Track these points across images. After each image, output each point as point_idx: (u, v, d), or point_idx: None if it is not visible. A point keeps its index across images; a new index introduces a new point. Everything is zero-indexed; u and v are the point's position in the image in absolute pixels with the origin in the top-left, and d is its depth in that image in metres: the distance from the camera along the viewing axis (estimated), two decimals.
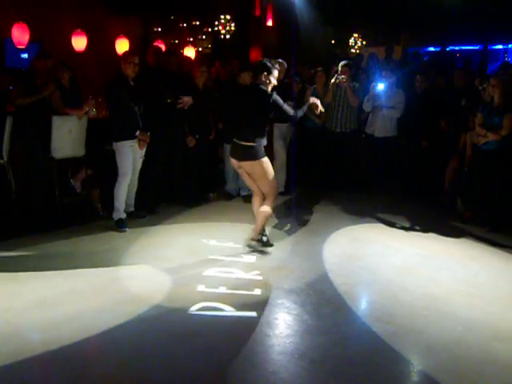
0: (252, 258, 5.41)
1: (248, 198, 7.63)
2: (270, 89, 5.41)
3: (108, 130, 6.33)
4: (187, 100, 6.85)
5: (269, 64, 5.42)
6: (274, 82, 5.43)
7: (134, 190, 6.64)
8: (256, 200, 5.67)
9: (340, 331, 3.98)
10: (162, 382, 3.32)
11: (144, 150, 6.47)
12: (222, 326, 4.02)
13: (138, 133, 6.25)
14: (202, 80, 7.22)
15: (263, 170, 5.40)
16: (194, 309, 4.26)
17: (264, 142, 5.52)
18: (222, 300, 4.43)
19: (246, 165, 5.43)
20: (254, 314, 4.20)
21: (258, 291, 4.60)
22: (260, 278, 4.90)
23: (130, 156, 6.27)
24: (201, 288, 4.66)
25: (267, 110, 5.42)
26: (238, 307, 4.30)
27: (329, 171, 8.71)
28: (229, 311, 4.24)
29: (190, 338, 3.82)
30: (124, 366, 3.47)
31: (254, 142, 5.33)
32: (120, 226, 6.25)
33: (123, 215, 6.34)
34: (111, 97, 6.31)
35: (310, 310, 4.28)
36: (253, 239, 5.70)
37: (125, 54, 6.44)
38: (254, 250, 5.60)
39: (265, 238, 5.72)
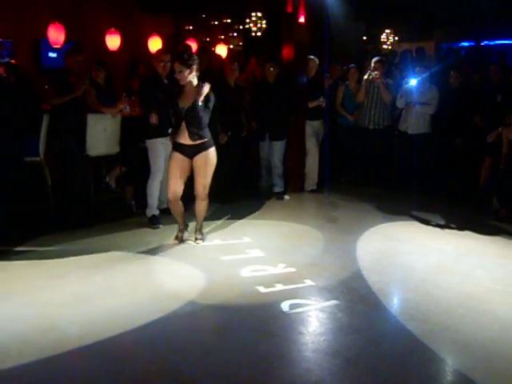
0: (285, 255, 5.41)
1: (280, 195, 7.67)
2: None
3: (141, 127, 6.40)
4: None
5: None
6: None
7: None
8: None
9: (374, 329, 3.96)
10: (196, 378, 3.34)
11: None
12: (256, 323, 4.02)
13: (170, 130, 6.30)
14: (233, 77, 7.25)
15: None
16: (228, 305, 4.28)
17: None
18: (255, 297, 4.44)
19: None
20: (287, 311, 4.20)
21: (290, 288, 4.60)
22: (293, 275, 4.90)
23: (163, 153, 6.32)
24: (234, 284, 4.69)
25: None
26: (271, 304, 4.31)
27: (362, 168, 8.66)
28: (262, 309, 4.25)
29: (224, 335, 3.85)
30: (160, 361, 3.50)
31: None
32: (153, 222, 6.32)
33: (156, 212, 6.40)
34: (144, 95, 6.38)
35: (344, 307, 4.27)
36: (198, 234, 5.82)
37: (156, 52, 6.50)
38: (290, 248, 5.62)
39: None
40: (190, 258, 5.33)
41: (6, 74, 7.47)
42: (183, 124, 5.42)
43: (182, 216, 5.75)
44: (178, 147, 5.52)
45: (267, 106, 7.49)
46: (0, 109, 5.66)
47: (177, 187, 5.55)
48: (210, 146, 5.53)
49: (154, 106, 6.17)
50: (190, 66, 5.34)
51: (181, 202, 5.65)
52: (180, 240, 5.76)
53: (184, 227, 5.82)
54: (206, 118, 5.42)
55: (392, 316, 4.19)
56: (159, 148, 6.29)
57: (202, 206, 5.69)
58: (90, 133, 6.45)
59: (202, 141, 5.45)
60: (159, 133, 6.25)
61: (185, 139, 5.45)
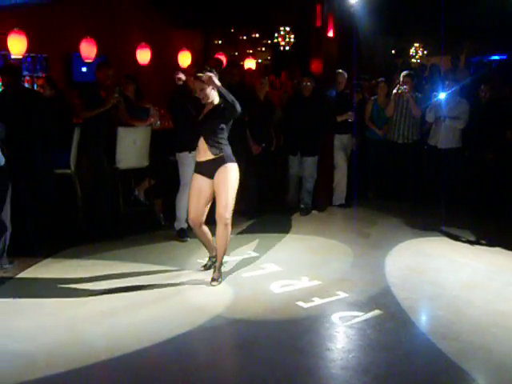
0: (313, 270, 5.35)
1: (308, 210, 7.61)
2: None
3: (171, 141, 6.43)
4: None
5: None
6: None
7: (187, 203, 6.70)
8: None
9: (404, 347, 3.88)
10: None
11: None
12: (284, 339, 3.98)
13: None
14: (263, 91, 7.27)
15: None
16: (255, 320, 4.25)
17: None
18: (282, 312, 4.40)
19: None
20: (315, 326, 4.15)
21: (318, 303, 4.55)
22: (321, 290, 4.84)
23: (192, 166, 6.33)
24: (261, 299, 4.65)
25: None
26: (299, 320, 4.26)
27: (390, 183, 8.57)
28: (289, 324, 4.21)
29: (252, 350, 3.81)
30: (187, 375, 3.48)
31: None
32: (182, 235, 6.32)
33: (185, 225, 6.40)
34: (175, 108, 6.41)
35: (373, 324, 4.20)
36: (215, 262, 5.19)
37: (188, 66, 6.55)
38: (318, 262, 5.55)
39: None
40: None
41: (42, 88, 7.60)
42: (201, 140, 5.05)
43: (208, 242, 5.29)
44: (197, 167, 5.13)
45: (301, 121, 7.46)
46: (35, 122, 5.73)
47: (198, 212, 5.07)
48: (231, 161, 4.99)
49: (184, 120, 6.20)
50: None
51: (205, 228, 5.19)
52: (208, 269, 5.31)
53: (214, 255, 5.25)
54: (223, 127, 5.00)
55: (422, 334, 4.12)
56: (189, 161, 6.30)
57: (221, 231, 4.95)
58: (119, 146, 6.51)
59: (221, 154, 4.95)
60: (189, 146, 6.28)
61: (204, 155, 5.01)
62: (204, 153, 5.01)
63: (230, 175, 4.96)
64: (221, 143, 4.98)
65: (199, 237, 5.27)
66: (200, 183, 5.05)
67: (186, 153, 6.25)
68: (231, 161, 5.01)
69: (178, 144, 6.28)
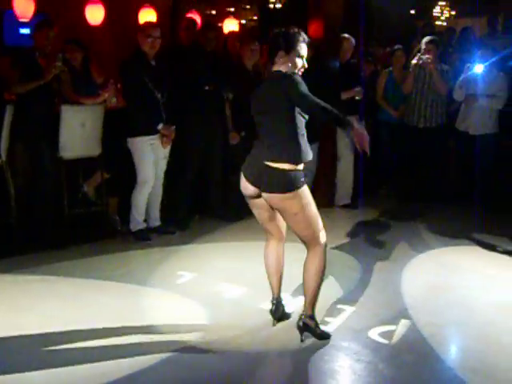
0: None
1: None
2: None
3: (125, 122, 6.43)
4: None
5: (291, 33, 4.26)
6: (299, 64, 4.27)
7: (159, 198, 6.71)
8: (272, 246, 4.64)
9: None
10: None
11: (168, 148, 6.53)
12: (274, 373, 3.99)
13: (160, 126, 6.31)
14: (253, 60, 7.26)
15: (300, 205, 4.21)
16: (236, 351, 4.24)
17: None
18: (272, 342, 4.40)
19: (273, 198, 4.24)
20: (313, 360, 4.14)
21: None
22: (320, 313, 4.82)
23: (151, 156, 6.35)
24: (245, 324, 4.65)
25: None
26: (293, 351, 4.26)
27: (409, 177, 8.62)
28: (280, 356, 4.22)
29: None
30: None
31: (287, 162, 4.15)
32: (141, 237, 6.38)
33: (143, 225, 6.43)
34: (126, 79, 6.40)
35: (387, 356, 4.21)
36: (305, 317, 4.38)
37: (142, 25, 6.52)
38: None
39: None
40: (187, 288, 5.32)
41: None
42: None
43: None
44: None
45: None
46: None
47: None
48: None
49: (138, 94, 6.19)
50: None
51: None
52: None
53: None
54: None
55: (448, 369, 4.13)
56: (146, 149, 6.31)
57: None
58: (64, 129, 6.47)
59: None
60: (146, 129, 6.25)
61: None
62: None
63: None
64: None
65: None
66: None
67: (142, 138, 6.23)
68: None
69: (131, 126, 6.27)
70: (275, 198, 4.17)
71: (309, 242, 4.33)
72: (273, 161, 4.12)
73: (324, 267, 4.34)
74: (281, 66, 4.23)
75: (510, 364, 4.16)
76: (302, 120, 4.18)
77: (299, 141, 4.16)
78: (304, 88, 4.06)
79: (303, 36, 4.26)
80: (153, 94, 6.31)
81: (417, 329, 4.64)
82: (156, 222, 6.75)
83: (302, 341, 4.31)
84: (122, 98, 6.62)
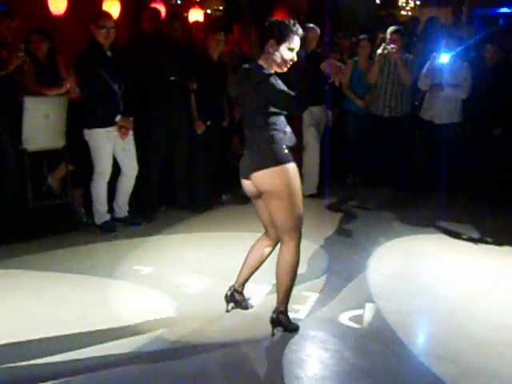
0: (273, 277, 5.36)
1: None
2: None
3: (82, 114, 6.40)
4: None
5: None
6: (288, 56, 4.31)
7: (130, 190, 6.69)
8: (262, 244, 4.62)
9: (391, 373, 3.93)
10: None
11: (128, 140, 6.50)
12: (241, 364, 4.00)
13: (118, 118, 6.29)
14: (217, 51, 7.25)
15: (285, 184, 4.20)
16: (203, 343, 4.24)
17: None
18: (238, 332, 4.41)
19: (259, 178, 4.22)
20: (279, 349, 4.16)
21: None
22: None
23: (109, 148, 6.33)
24: (211, 315, 4.65)
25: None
26: (259, 341, 4.28)
27: (374, 166, 8.66)
28: (247, 346, 4.22)
29: (196, 380, 3.80)
30: None
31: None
32: (107, 229, 6.36)
33: (107, 217, 6.41)
34: (82, 71, 6.35)
35: (353, 345, 4.24)
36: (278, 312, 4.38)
37: (95, 16, 6.45)
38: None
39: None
40: (154, 281, 5.29)
41: None
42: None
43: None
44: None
45: None
46: None
47: None
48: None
49: (94, 85, 6.16)
50: None
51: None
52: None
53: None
54: None
55: (413, 356, 4.17)
56: (103, 141, 6.28)
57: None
58: (27, 121, 6.39)
59: None
60: (102, 121, 6.23)
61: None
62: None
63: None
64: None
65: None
66: None
67: (98, 130, 6.21)
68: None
69: (88, 118, 6.24)
70: (261, 176, 4.18)
71: (283, 234, 4.29)
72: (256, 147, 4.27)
73: (297, 264, 4.32)
74: (268, 58, 4.27)
75: (473, 349, 4.21)
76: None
77: (277, 128, 4.27)
78: (282, 89, 4.20)
79: (298, 29, 4.24)
80: (109, 86, 6.27)
81: (382, 316, 4.67)
82: (123, 212, 6.73)
83: (272, 335, 4.31)
84: (79, 89, 6.55)
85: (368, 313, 4.73)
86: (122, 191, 6.66)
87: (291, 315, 4.47)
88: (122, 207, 6.74)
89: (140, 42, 7.24)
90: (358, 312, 4.74)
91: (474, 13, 13.50)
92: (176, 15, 7.68)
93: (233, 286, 4.68)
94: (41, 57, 6.85)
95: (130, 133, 6.50)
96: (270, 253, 4.58)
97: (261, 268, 4.62)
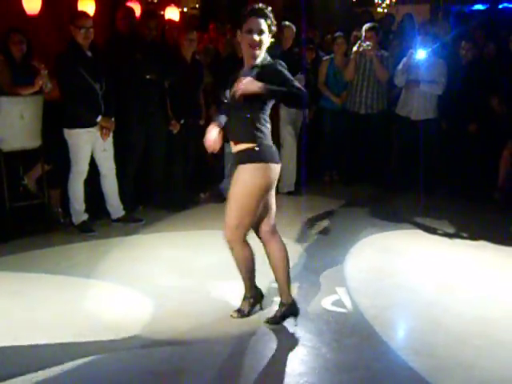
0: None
1: None
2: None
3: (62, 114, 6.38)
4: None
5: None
6: (248, 40, 4.18)
7: (116, 189, 6.73)
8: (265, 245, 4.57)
9: (368, 367, 3.96)
10: None
11: (109, 141, 6.49)
12: (217, 362, 4.01)
13: (99, 119, 6.28)
14: (190, 50, 7.25)
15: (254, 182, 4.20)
16: (180, 340, 4.26)
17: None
18: (214, 329, 4.43)
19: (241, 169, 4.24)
20: (256, 345, 4.19)
21: (259, 317, 4.58)
22: (265, 300, 4.87)
23: (88, 148, 6.32)
24: (188, 313, 4.66)
25: None
26: (235, 337, 4.30)
27: (351, 163, 8.70)
28: (223, 344, 4.22)
29: (175, 378, 3.82)
30: None
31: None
32: (85, 229, 6.34)
33: (85, 216, 6.40)
34: (62, 73, 6.33)
35: (330, 340, 4.27)
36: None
37: (73, 16, 6.43)
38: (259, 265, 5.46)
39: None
40: (133, 280, 5.29)
41: None
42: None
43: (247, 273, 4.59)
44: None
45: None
46: None
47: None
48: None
49: (75, 86, 6.15)
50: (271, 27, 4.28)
51: (248, 250, 4.49)
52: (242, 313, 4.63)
53: (250, 293, 4.66)
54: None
55: (391, 350, 4.20)
56: (83, 141, 6.27)
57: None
58: (2, 121, 6.36)
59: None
60: (84, 121, 6.22)
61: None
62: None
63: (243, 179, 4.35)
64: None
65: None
66: None
67: (79, 130, 6.21)
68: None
69: (68, 118, 6.23)
70: (243, 168, 4.19)
71: (226, 230, 4.43)
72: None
73: (244, 263, 4.46)
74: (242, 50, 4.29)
75: (449, 342, 4.26)
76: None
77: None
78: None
79: (253, 8, 4.18)
80: (90, 86, 6.26)
81: (360, 311, 4.71)
82: (120, 212, 6.73)
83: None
84: (59, 91, 6.52)
85: (345, 308, 4.77)
86: (109, 192, 6.68)
87: (274, 311, 4.54)
88: (116, 207, 6.74)
89: (114, 41, 7.21)
90: (335, 308, 4.78)
91: (449, 9, 13.57)
92: (151, 14, 7.66)
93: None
94: (16, 56, 6.80)
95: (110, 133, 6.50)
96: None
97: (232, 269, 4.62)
